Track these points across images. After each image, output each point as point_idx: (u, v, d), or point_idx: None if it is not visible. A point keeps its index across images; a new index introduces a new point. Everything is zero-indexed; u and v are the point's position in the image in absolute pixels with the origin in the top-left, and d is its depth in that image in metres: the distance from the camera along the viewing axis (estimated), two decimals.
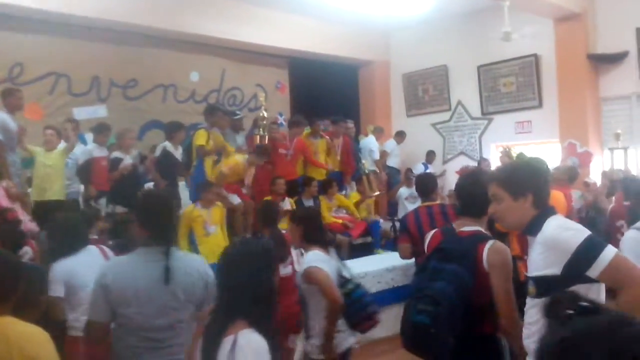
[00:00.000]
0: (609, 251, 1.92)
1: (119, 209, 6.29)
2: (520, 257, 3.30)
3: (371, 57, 10.71)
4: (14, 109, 5.94)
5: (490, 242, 2.42)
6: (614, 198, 6.40)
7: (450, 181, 9.47)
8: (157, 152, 6.86)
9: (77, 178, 6.70)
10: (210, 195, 6.15)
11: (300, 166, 8.02)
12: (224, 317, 1.95)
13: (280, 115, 9.79)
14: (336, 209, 7.91)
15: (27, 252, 4.06)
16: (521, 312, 2.20)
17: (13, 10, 6.96)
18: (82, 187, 6.72)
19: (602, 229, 5.87)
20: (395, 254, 4.93)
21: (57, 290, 3.27)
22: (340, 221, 7.65)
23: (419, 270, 2.56)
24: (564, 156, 8.23)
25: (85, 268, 3.28)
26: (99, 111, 7.12)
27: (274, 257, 2.19)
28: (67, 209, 5.93)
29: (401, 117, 10.92)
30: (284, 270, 4.26)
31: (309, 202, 7.40)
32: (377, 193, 8.68)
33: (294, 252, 4.44)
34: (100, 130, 6.73)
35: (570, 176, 5.84)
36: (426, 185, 4.45)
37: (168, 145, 6.77)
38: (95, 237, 4.83)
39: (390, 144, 9.93)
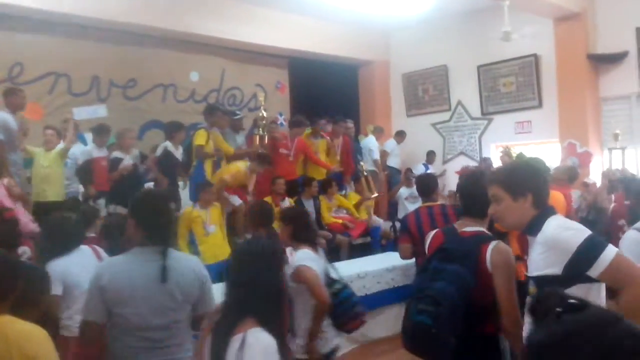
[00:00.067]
0: (610, 251, 1.92)
1: (120, 209, 6.29)
2: (520, 257, 3.29)
3: (371, 57, 10.71)
4: (16, 109, 5.94)
5: (493, 243, 2.42)
6: (613, 197, 6.40)
7: (450, 181, 9.47)
8: (158, 152, 6.86)
9: (76, 178, 6.70)
10: (209, 195, 6.15)
11: (300, 166, 8.02)
12: (233, 315, 1.95)
13: (280, 115, 9.79)
14: (336, 209, 7.91)
15: (25, 252, 4.06)
16: (522, 312, 2.20)
17: (13, 10, 6.95)
18: (81, 187, 6.72)
19: (603, 228, 5.87)
20: (395, 254, 4.93)
21: (55, 289, 3.27)
22: (340, 221, 7.66)
23: (420, 270, 2.56)
24: (564, 156, 8.23)
25: (78, 268, 3.28)
26: (99, 111, 7.11)
27: (283, 256, 2.19)
28: (67, 208, 5.94)
29: (401, 117, 10.92)
30: None
31: (309, 202, 7.40)
32: (375, 195, 8.67)
33: (287, 252, 4.45)
34: (100, 131, 6.73)
35: (570, 176, 5.84)
36: (427, 186, 4.45)
37: (169, 145, 6.78)
38: (94, 235, 4.83)
39: (391, 144, 9.93)
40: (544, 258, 2.00)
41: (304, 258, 3.13)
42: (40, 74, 7.64)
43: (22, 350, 1.97)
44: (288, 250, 4.41)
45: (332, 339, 3.26)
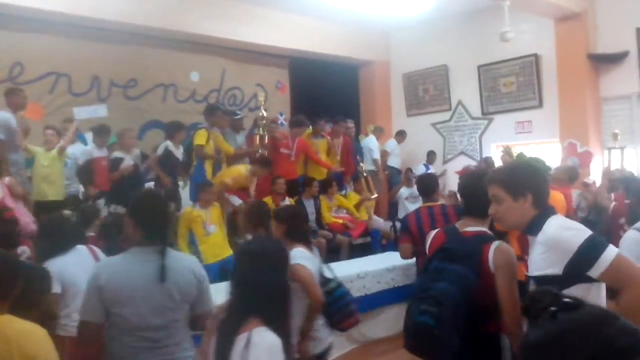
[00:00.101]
0: (611, 251, 1.92)
1: (120, 209, 6.29)
2: (521, 257, 3.29)
3: (371, 57, 10.71)
4: (17, 108, 5.95)
5: (496, 243, 2.41)
6: (612, 196, 6.39)
7: (451, 181, 9.47)
8: (159, 151, 6.86)
9: (76, 178, 6.70)
10: (209, 195, 6.16)
11: (301, 166, 8.02)
12: (239, 314, 1.95)
13: (281, 115, 9.79)
14: (336, 209, 7.91)
15: (24, 252, 4.07)
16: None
17: (13, 10, 6.95)
18: (81, 187, 6.72)
19: (603, 228, 5.86)
20: (395, 254, 4.93)
21: (54, 288, 3.27)
22: (340, 221, 7.66)
23: (422, 270, 2.55)
24: (564, 156, 8.23)
25: (75, 267, 3.29)
26: (99, 111, 7.11)
27: (287, 256, 2.19)
28: (67, 206, 5.95)
29: (401, 116, 10.92)
30: None
31: (309, 202, 7.41)
32: (375, 196, 8.67)
33: None
34: (100, 132, 6.74)
35: (571, 176, 5.84)
36: (428, 186, 4.46)
37: (169, 144, 6.78)
38: (93, 234, 4.84)
39: (391, 144, 9.93)
40: (544, 258, 2.00)
41: (298, 257, 3.13)
42: (41, 74, 7.65)
43: (23, 350, 1.97)
44: None
45: (326, 338, 3.26)
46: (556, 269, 1.95)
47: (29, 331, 2.05)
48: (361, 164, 8.79)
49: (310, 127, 8.21)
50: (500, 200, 2.15)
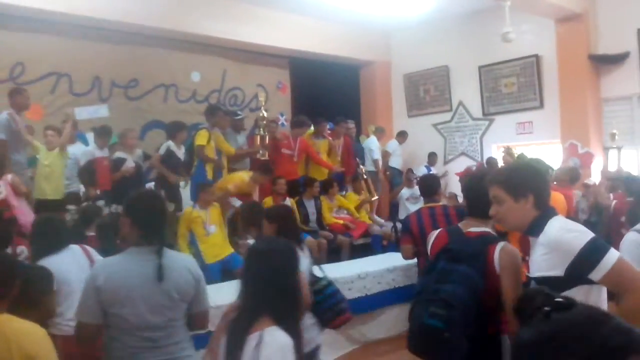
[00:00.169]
0: (612, 255, 1.91)
1: (121, 210, 6.28)
2: (522, 258, 3.29)
3: (372, 58, 10.71)
4: (21, 108, 5.95)
5: (501, 244, 2.40)
6: (612, 196, 6.39)
7: (452, 182, 9.48)
8: (161, 151, 6.87)
9: (76, 178, 6.70)
10: (209, 195, 6.16)
11: (302, 166, 8.02)
12: (250, 313, 1.95)
13: (282, 115, 9.79)
14: (337, 210, 7.91)
15: (23, 252, 4.07)
16: None
17: (14, 10, 6.96)
18: (82, 187, 6.72)
19: (604, 229, 5.86)
20: (396, 255, 4.93)
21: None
22: (341, 222, 7.65)
23: (426, 271, 2.54)
24: (565, 157, 8.23)
25: (67, 266, 3.28)
26: (100, 111, 7.11)
27: (297, 255, 2.19)
28: (67, 204, 5.95)
29: (402, 117, 10.92)
30: None
31: (310, 203, 7.41)
32: (375, 198, 8.67)
33: None
34: (101, 133, 6.73)
35: (572, 177, 5.84)
36: (430, 186, 4.46)
37: (172, 144, 6.78)
38: (93, 234, 4.83)
39: (393, 144, 9.93)
40: (546, 259, 1.99)
41: None
42: (42, 74, 7.66)
43: (23, 349, 1.97)
44: None
45: (314, 338, 3.25)
46: (558, 271, 1.95)
47: (28, 331, 2.05)
48: (361, 166, 8.79)
49: (312, 128, 8.20)
50: (501, 201, 2.14)
